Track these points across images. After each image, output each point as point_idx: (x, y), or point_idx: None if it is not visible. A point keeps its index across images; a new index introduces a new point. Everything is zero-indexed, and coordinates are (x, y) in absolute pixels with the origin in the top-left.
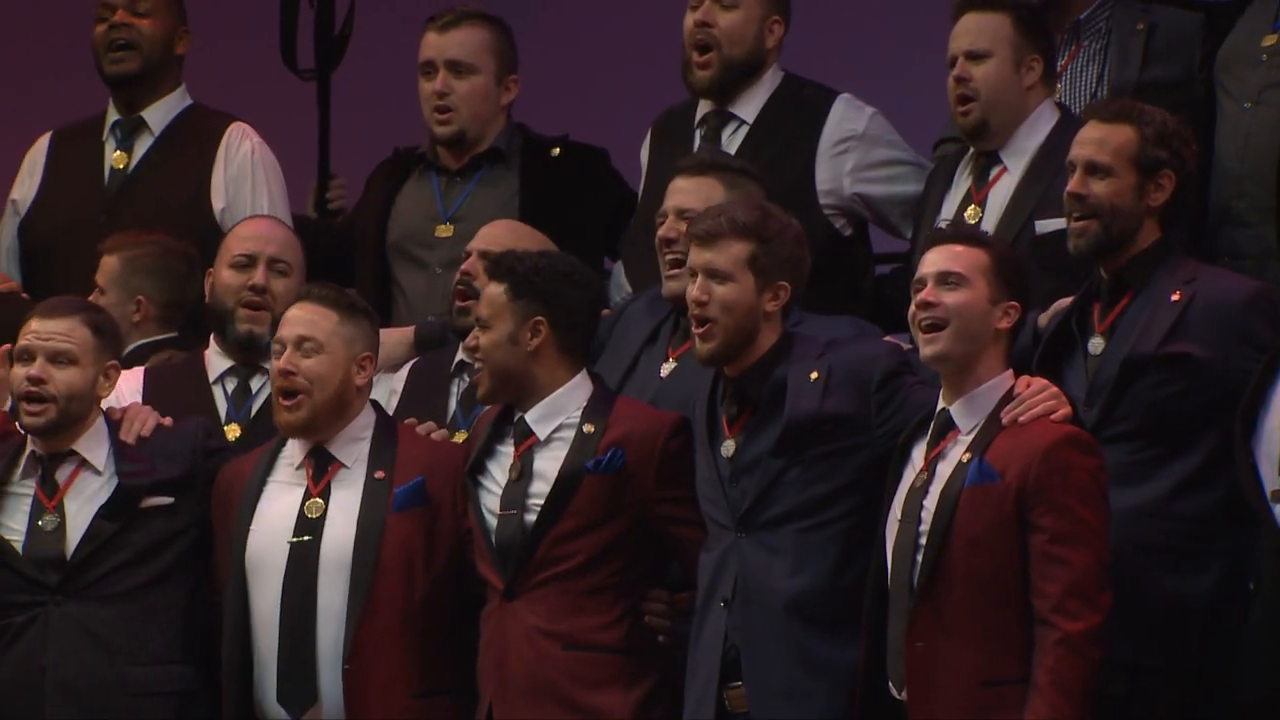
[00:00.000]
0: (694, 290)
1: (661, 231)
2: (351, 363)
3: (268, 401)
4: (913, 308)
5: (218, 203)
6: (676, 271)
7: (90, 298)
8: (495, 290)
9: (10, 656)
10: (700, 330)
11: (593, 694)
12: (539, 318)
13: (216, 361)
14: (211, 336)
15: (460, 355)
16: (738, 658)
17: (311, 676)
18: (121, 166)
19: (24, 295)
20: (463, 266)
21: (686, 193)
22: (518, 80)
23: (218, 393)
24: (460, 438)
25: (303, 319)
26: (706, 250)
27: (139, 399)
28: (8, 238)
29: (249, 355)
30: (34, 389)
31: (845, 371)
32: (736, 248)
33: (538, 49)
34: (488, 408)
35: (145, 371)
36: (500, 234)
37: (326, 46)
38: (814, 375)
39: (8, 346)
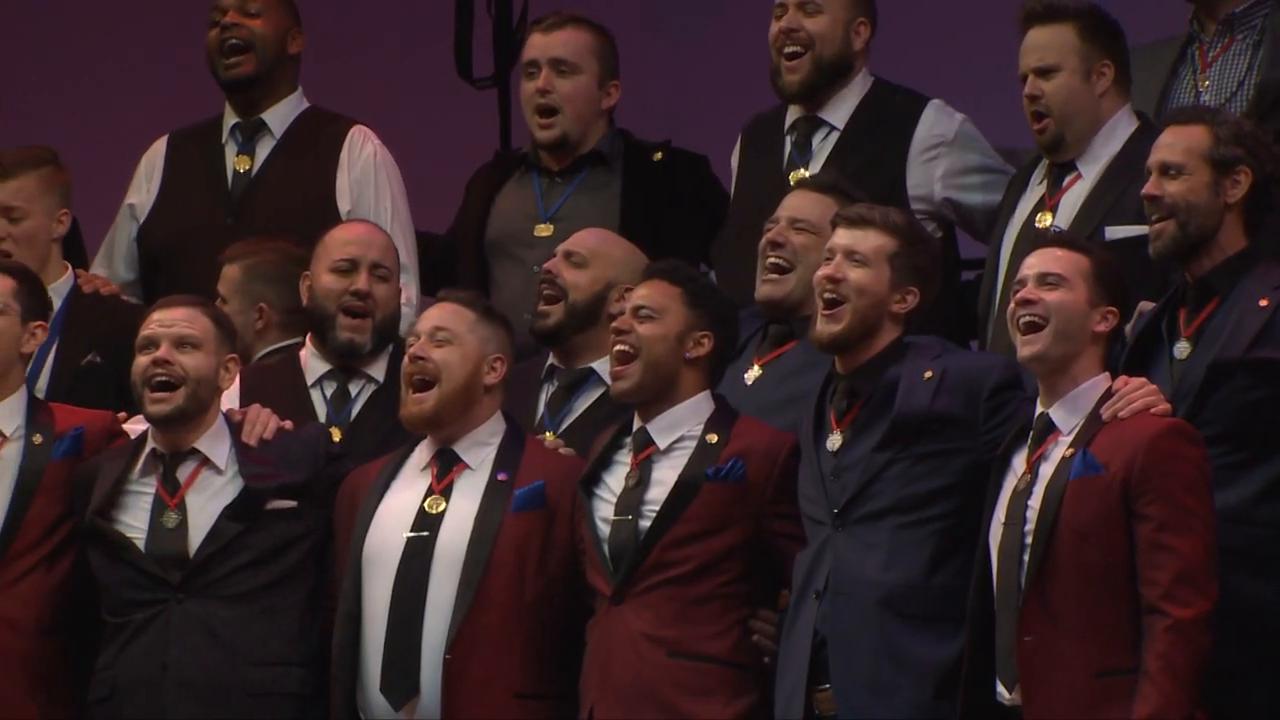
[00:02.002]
0: (828, 269)
1: (770, 235)
2: (483, 360)
3: (367, 404)
4: (1012, 306)
5: (343, 205)
6: (775, 277)
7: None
8: (667, 289)
9: (132, 653)
10: (828, 311)
11: (694, 703)
12: (708, 333)
13: (315, 364)
14: (308, 338)
15: (551, 360)
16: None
17: (414, 669)
18: (244, 170)
19: (125, 299)
20: (546, 265)
21: (805, 206)
22: (619, 86)
23: (316, 396)
24: (548, 438)
25: (440, 314)
26: (853, 232)
27: (236, 401)
28: (123, 242)
29: (347, 360)
30: (161, 372)
31: (959, 375)
32: (882, 239)
33: (640, 57)
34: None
35: (241, 373)
36: (592, 241)
37: (506, 54)
38: (928, 374)
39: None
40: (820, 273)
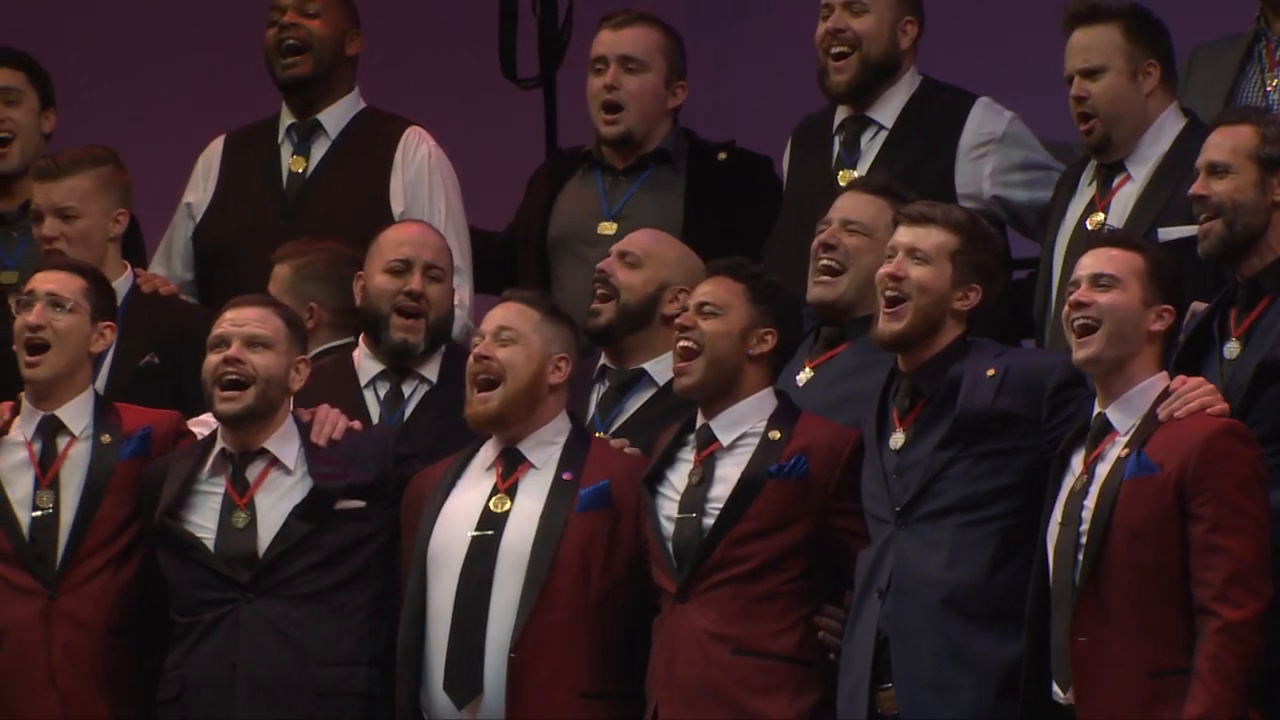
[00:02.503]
0: (890, 266)
1: (823, 237)
2: (548, 360)
3: (420, 405)
4: (1066, 308)
5: (396, 206)
6: (827, 279)
7: None
8: (731, 286)
9: (201, 653)
10: (890, 309)
11: (759, 700)
12: (771, 330)
13: (368, 365)
14: (361, 338)
15: (603, 360)
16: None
17: (478, 668)
18: (299, 170)
19: (184, 298)
20: (600, 264)
21: (857, 208)
22: (685, 86)
23: (369, 396)
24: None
25: (504, 314)
26: (915, 229)
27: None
28: (180, 241)
29: (400, 361)
30: (231, 371)
31: (1021, 373)
32: (944, 236)
33: (706, 60)
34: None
35: None
36: (646, 241)
37: (551, 54)
38: (990, 372)
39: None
40: (882, 270)
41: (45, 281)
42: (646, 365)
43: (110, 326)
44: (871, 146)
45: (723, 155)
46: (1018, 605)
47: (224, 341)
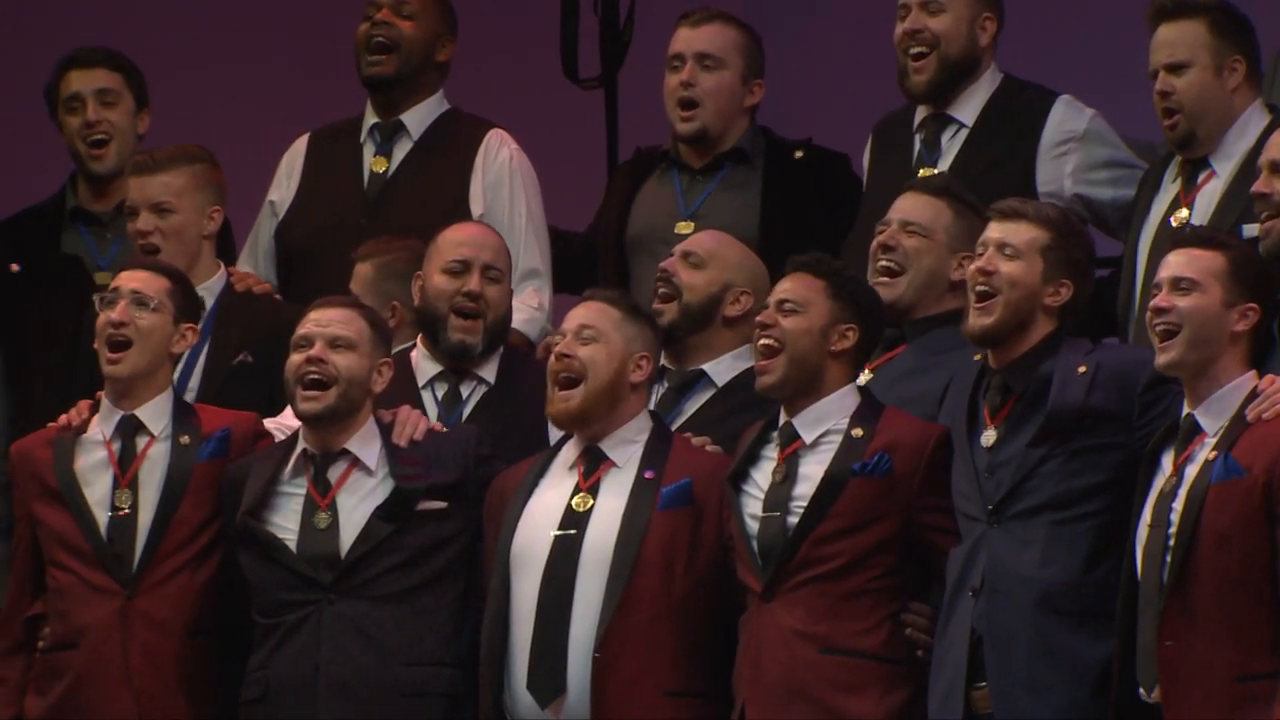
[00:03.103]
0: (980, 261)
1: (882, 238)
2: (629, 358)
3: (478, 406)
4: (1149, 312)
5: (476, 208)
6: (885, 280)
7: None
8: (811, 282)
9: (284, 654)
10: (980, 305)
11: (847, 698)
12: (852, 325)
13: (426, 365)
14: (419, 339)
15: (662, 360)
16: (983, 649)
17: (561, 667)
18: (381, 170)
19: (277, 297)
20: (663, 264)
21: (916, 208)
22: (763, 85)
23: (427, 397)
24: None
25: (585, 313)
26: (1005, 224)
27: None
28: (265, 239)
29: (458, 362)
30: (314, 370)
31: (1113, 370)
32: (1034, 232)
33: (783, 58)
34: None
35: None
36: (709, 243)
37: (613, 54)
38: (1081, 369)
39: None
40: (973, 266)
41: (130, 280)
42: (706, 366)
43: (193, 329)
44: (952, 145)
45: (799, 153)
46: (1112, 603)
47: (308, 341)
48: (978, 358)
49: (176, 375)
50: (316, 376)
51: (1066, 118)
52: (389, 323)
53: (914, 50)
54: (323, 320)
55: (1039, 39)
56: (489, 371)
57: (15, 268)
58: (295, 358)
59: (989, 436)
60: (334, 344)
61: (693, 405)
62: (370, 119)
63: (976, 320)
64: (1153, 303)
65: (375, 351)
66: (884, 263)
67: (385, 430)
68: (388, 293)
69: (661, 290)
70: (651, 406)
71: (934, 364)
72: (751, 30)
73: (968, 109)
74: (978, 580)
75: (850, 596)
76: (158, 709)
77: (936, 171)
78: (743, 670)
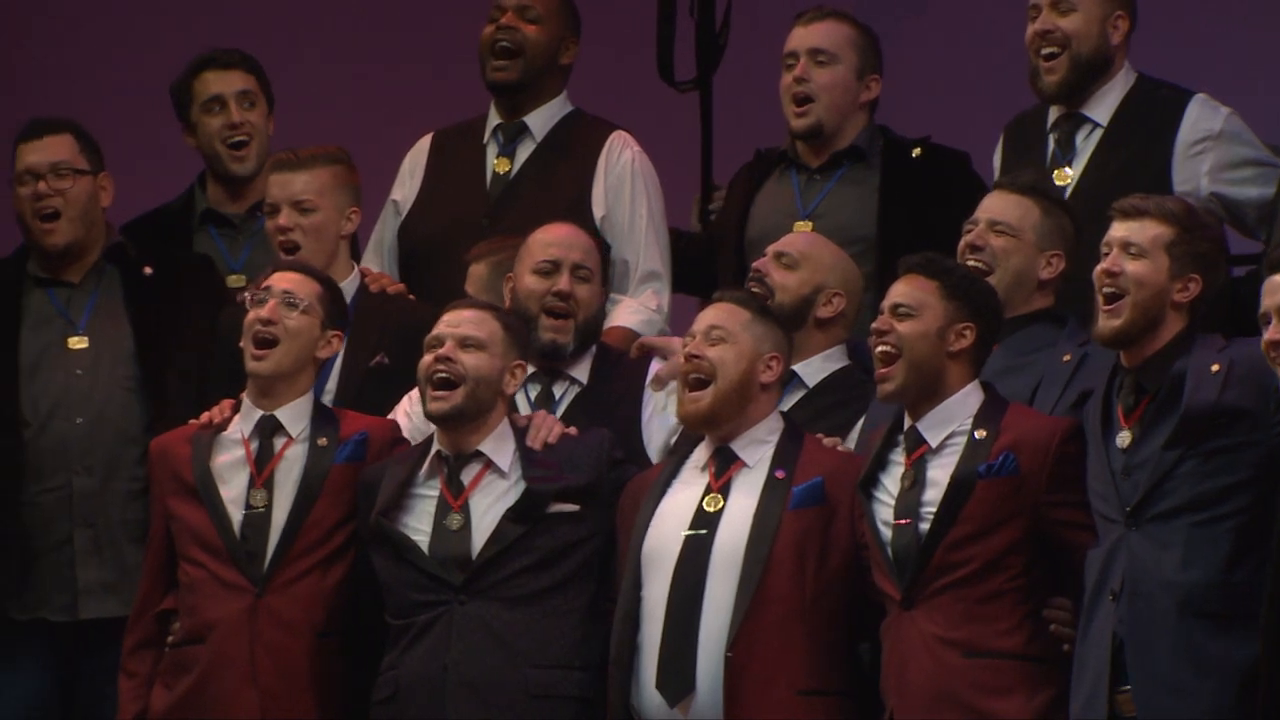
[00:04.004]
0: (1105, 262)
1: (969, 238)
2: (758, 358)
3: (571, 406)
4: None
5: (597, 211)
6: None
7: None
8: (925, 285)
9: (415, 654)
10: (1108, 307)
11: (995, 700)
12: (969, 324)
13: None
14: None
15: None
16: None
17: (691, 666)
18: (503, 171)
19: (411, 297)
20: (756, 263)
21: (1004, 208)
22: (879, 80)
23: (520, 398)
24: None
25: (714, 314)
26: (1128, 223)
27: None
28: (388, 237)
29: (550, 362)
30: (442, 370)
31: (1247, 366)
32: (1158, 229)
33: (902, 55)
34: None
35: None
36: (803, 244)
37: (708, 57)
38: (1215, 367)
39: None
40: (1099, 267)
41: (282, 280)
42: (797, 367)
43: (339, 336)
44: (1087, 145)
45: (917, 151)
46: (1256, 604)
47: (439, 341)
48: (1067, 359)
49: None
50: (445, 375)
51: (1202, 116)
52: None
53: (1045, 50)
54: (454, 321)
55: (1173, 38)
56: (582, 371)
57: (149, 270)
58: (426, 357)
59: (1124, 438)
60: (464, 344)
61: (783, 405)
62: (494, 120)
63: (1106, 323)
64: None
65: (508, 353)
66: (972, 262)
67: (519, 433)
68: (502, 292)
69: (754, 289)
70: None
71: (1024, 364)
72: (866, 27)
73: (1102, 108)
74: (1117, 584)
75: (988, 599)
76: (282, 707)
77: (1071, 172)
78: (889, 678)
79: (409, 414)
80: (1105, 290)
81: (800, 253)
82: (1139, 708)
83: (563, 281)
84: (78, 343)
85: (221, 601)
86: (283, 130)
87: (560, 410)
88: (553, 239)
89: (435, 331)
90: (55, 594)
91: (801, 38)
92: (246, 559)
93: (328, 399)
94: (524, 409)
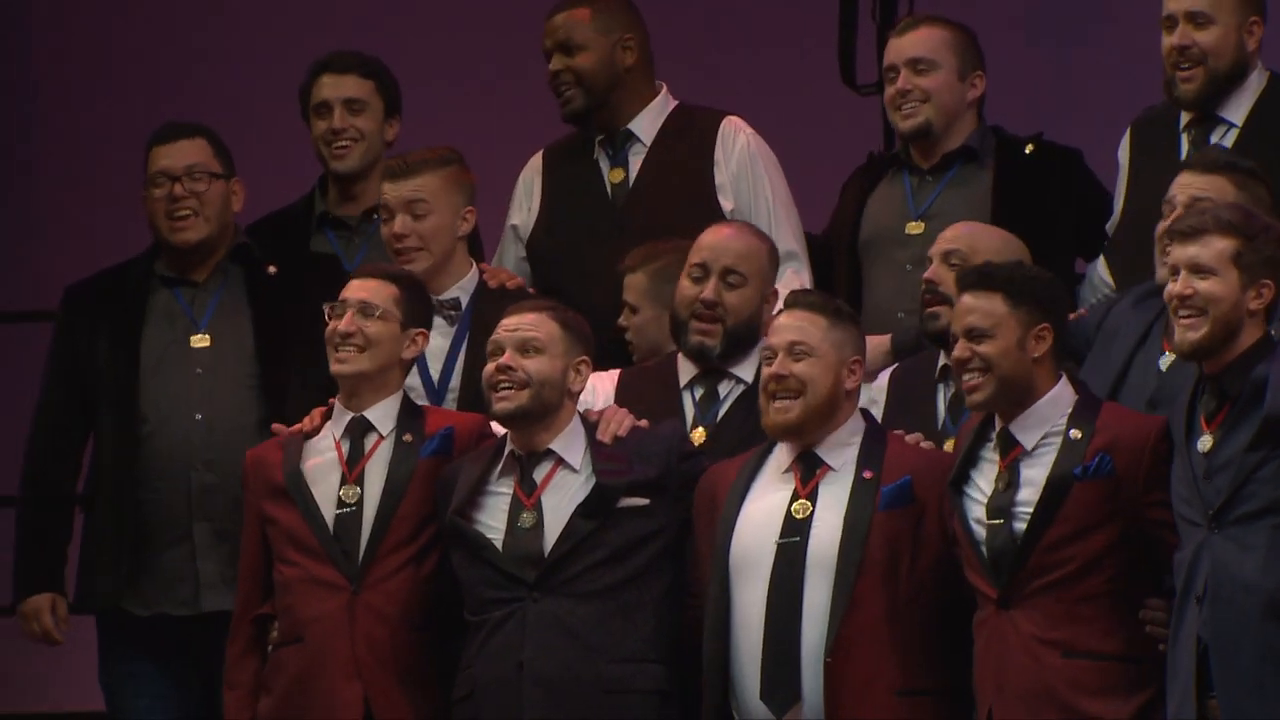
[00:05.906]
0: (1176, 286)
1: (1177, 289)
2: (842, 366)
3: (733, 406)
4: None
5: (725, 202)
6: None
7: (621, 319)
8: (990, 300)
9: (489, 651)
10: (1185, 323)
11: (1093, 701)
12: (1044, 325)
13: (686, 367)
14: None
15: (943, 360)
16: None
17: (795, 674)
18: (619, 180)
19: (531, 290)
20: (926, 274)
21: (1199, 186)
22: (983, 77)
23: (686, 398)
24: (949, 445)
25: (793, 325)
26: (1190, 245)
27: (612, 400)
28: (510, 263)
29: (706, 364)
30: (504, 379)
31: None
32: (1221, 243)
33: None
34: (968, 417)
35: (620, 374)
36: (963, 235)
37: None
38: None
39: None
40: (1169, 290)
41: (358, 290)
42: None
43: (423, 334)
44: (1222, 145)
45: (1030, 148)
46: None
47: (498, 348)
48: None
49: (437, 376)
50: (506, 384)
51: None
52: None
53: (1183, 64)
54: (511, 326)
55: None
56: (746, 370)
57: (273, 269)
58: (489, 365)
59: (1205, 442)
60: (523, 349)
61: None
62: (596, 134)
63: (1184, 337)
64: None
65: (570, 351)
66: (1185, 315)
67: (590, 429)
68: (666, 296)
69: (927, 297)
70: (941, 411)
71: None
72: (962, 27)
73: (1237, 109)
74: (1200, 587)
75: (1086, 599)
76: (385, 702)
77: None
78: (985, 677)
79: (593, 389)
80: (1181, 312)
81: (969, 247)
82: (1223, 710)
83: (708, 289)
84: (200, 341)
85: (319, 599)
86: (413, 135)
87: (724, 409)
88: (705, 243)
89: (494, 338)
90: (177, 588)
91: (898, 49)
92: (341, 556)
93: (452, 397)
94: (689, 410)
